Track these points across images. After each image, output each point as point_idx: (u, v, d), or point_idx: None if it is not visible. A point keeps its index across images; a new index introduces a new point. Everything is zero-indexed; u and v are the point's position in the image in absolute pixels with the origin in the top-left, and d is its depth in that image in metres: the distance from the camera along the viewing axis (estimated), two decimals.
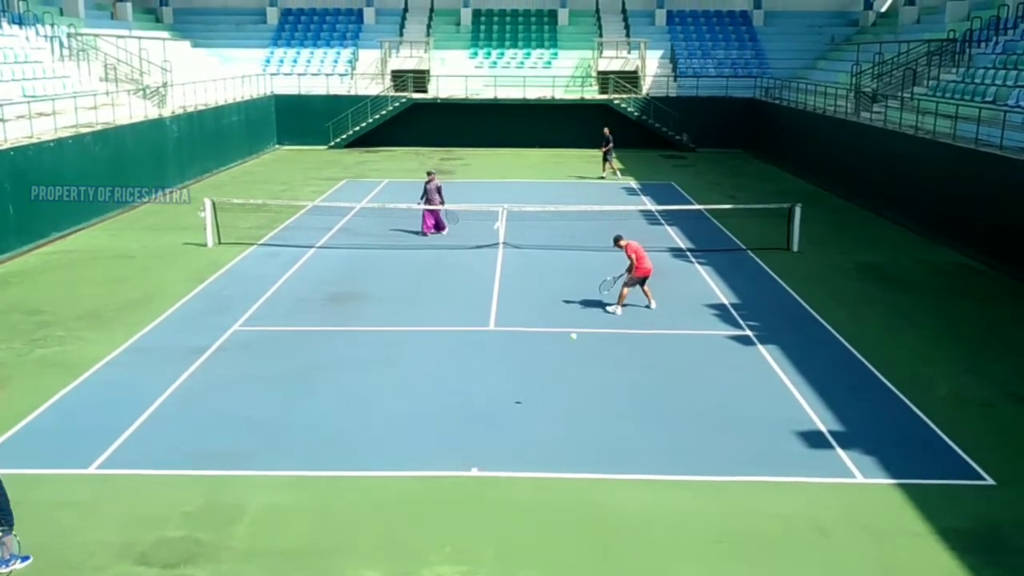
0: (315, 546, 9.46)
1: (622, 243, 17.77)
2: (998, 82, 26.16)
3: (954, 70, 29.98)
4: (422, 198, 24.19)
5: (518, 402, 13.07)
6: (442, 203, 24.17)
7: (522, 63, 45.85)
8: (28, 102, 23.84)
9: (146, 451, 11.51)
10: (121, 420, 12.32)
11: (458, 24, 48.48)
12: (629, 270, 17.44)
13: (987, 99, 25.34)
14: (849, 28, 46.10)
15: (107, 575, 8.92)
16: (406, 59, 45.46)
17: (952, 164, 23.52)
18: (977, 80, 27.46)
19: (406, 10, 48.62)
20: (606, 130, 34.32)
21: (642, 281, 17.47)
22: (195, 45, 44.04)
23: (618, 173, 34.32)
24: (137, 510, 10.11)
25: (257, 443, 11.77)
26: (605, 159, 34.32)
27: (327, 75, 44.45)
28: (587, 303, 18.02)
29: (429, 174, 24.44)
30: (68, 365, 14.40)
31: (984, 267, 21.07)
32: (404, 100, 42.89)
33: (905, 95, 29.86)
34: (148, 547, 9.38)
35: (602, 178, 33.92)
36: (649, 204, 28.22)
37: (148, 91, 32.19)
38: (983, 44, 29.98)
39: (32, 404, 12.85)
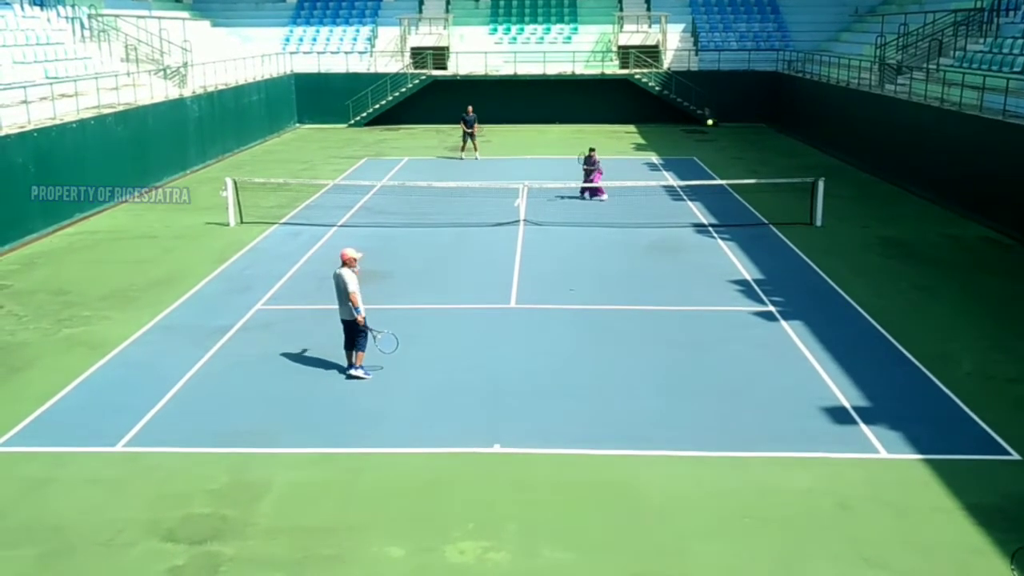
0: (339, 522, 9.54)
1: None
2: None
3: (981, 40, 29.46)
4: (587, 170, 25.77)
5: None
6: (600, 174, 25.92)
7: (542, 39, 45.54)
8: (50, 84, 23.99)
9: (172, 429, 11.64)
10: (147, 399, 12.46)
11: (477, 0, 48.20)
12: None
13: (1015, 69, 24.90)
14: None
15: (135, 551, 9.05)
16: (425, 36, 45.27)
17: (979, 136, 23.18)
18: (1005, 50, 26.97)
19: None
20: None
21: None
22: (215, 25, 44.07)
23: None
24: (164, 487, 10.24)
25: (281, 421, 11.87)
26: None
27: (346, 53, 44.38)
28: (608, 280, 17.98)
29: (591, 150, 26.06)
30: (94, 344, 14.55)
31: (1012, 241, 20.79)
32: (424, 77, 42.76)
33: (931, 66, 29.42)
34: (175, 524, 9.51)
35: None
36: (671, 179, 28.04)
37: (169, 71, 32.27)
38: (1011, 13, 29.41)
39: (59, 383, 13.01)
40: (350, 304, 12.83)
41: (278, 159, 33.92)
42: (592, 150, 26.09)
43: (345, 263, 12.94)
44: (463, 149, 33.86)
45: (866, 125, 30.88)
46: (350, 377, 13.15)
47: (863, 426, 11.60)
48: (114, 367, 13.74)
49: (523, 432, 11.51)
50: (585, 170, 25.85)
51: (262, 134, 38.61)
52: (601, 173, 25.89)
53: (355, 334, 13.05)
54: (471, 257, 19.88)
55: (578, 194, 25.84)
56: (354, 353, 13.16)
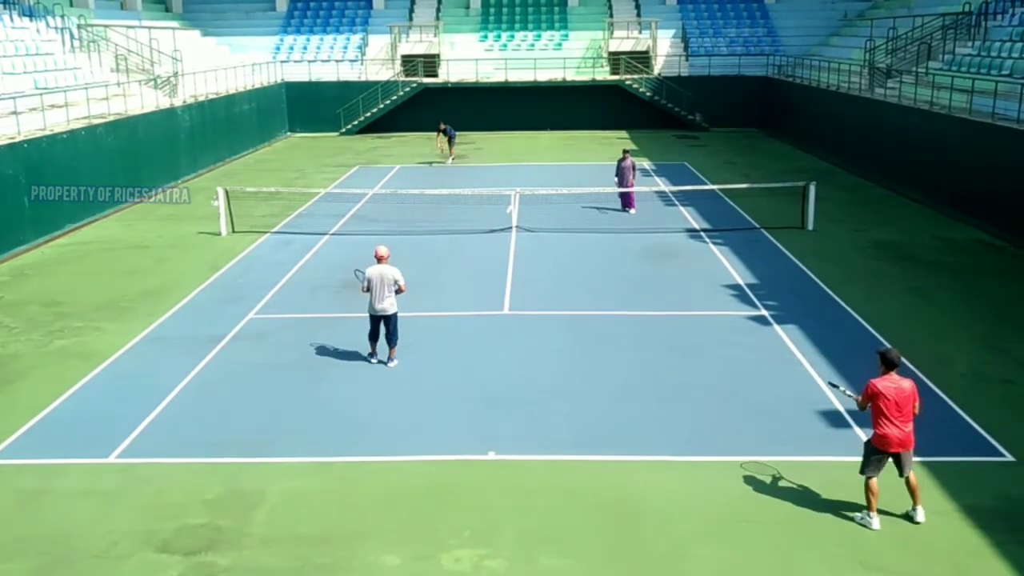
0: (335, 531, 9.50)
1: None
2: (1015, 55, 25.83)
3: (970, 43, 29.62)
4: (617, 177, 24.93)
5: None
6: (633, 181, 24.96)
7: (532, 45, 45.65)
8: (40, 94, 23.92)
9: (165, 440, 11.59)
10: (140, 409, 12.41)
11: (467, 7, 48.32)
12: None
13: (1004, 72, 25.03)
14: (862, 3, 45.58)
15: (130, 563, 8.99)
16: (416, 44, 45.35)
17: (969, 139, 23.28)
18: (993, 53, 27.13)
19: None
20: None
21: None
22: (205, 34, 44.09)
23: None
24: (158, 498, 10.19)
25: (275, 430, 11.83)
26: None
27: (337, 61, 44.40)
28: (601, 285, 17.98)
29: (624, 152, 25.32)
30: (86, 355, 14.49)
31: (1003, 243, 20.87)
32: (415, 85, 42.81)
33: (920, 70, 29.55)
34: (170, 535, 9.46)
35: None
36: (663, 185, 28.08)
37: (159, 81, 32.24)
38: (999, 16, 29.60)
39: (52, 395, 12.95)
40: (393, 295, 13.52)
41: (270, 168, 33.89)
42: (626, 152, 25.36)
43: (381, 259, 13.56)
44: (451, 154, 34.48)
45: (856, 128, 31.00)
46: (376, 362, 13.92)
47: (857, 429, 11.59)
48: (107, 378, 13.68)
49: (518, 438, 11.49)
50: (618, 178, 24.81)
51: (253, 143, 38.58)
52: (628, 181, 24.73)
53: (395, 327, 13.72)
54: (464, 264, 19.87)
55: (620, 207, 24.99)
56: (390, 347, 13.89)
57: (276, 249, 21.33)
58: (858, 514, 9.61)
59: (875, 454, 9.39)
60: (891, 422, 9.20)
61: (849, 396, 9.97)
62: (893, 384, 9.25)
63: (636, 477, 10.54)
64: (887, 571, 8.72)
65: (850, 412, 12.10)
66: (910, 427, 9.28)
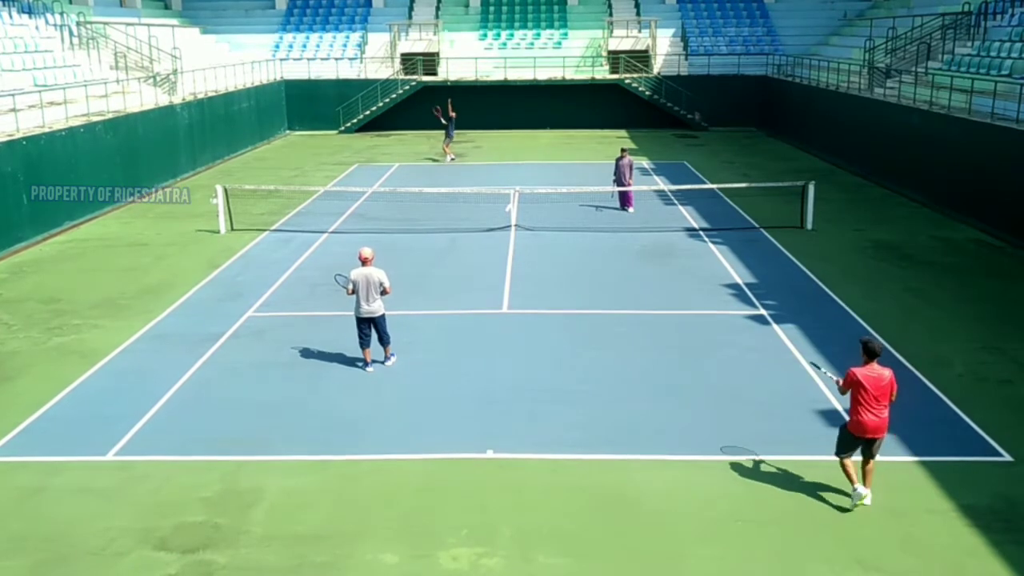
0: (333, 530, 9.50)
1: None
2: (1014, 55, 25.83)
3: (969, 44, 29.62)
4: (615, 177, 24.84)
5: None
6: (631, 180, 24.89)
7: (532, 44, 45.62)
8: (39, 92, 23.90)
9: (164, 437, 11.58)
10: (138, 407, 12.40)
11: (467, 6, 48.28)
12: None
13: (1003, 73, 25.04)
14: (862, 3, 45.58)
15: (128, 560, 8.99)
16: (415, 42, 45.32)
17: (968, 139, 23.28)
18: (993, 53, 27.13)
19: None
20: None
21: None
22: (204, 32, 44.04)
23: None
24: (156, 496, 10.18)
25: (273, 428, 11.82)
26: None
27: (336, 59, 44.36)
28: (600, 284, 17.99)
29: (622, 151, 25.16)
30: (85, 353, 14.48)
31: (1003, 243, 20.88)
32: (414, 83, 42.77)
33: (919, 70, 29.55)
34: (168, 532, 9.45)
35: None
36: (662, 184, 28.07)
37: (158, 78, 32.21)
38: (999, 16, 29.60)
39: (50, 392, 12.94)
40: (381, 298, 13.36)
41: (269, 166, 33.87)
42: (624, 151, 25.24)
43: (365, 261, 13.42)
44: (447, 152, 34.53)
45: (856, 128, 31.00)
46: (372, 370, 13.65)
47: None
48: (105, 375, 13.67)
49: (516, 437, 11.49)
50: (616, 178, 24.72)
51: (252, 141, 38.55)
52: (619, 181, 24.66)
53: (384, 327, 13.60)
54: (463, 262, 19.86)
55: (618, 205, 24.94)
56: (384, 347, 13.78)
57: (275, 247, 21.32)
58: (848, 497, 9.81)
59: (850, 438, 9.77)
60: (868, 410, 9.57)
61: (831, 378, 10.36)
62: (873, 374, 9.58)
63: (634, 476, 10.54)
64: (885, 570, 8.72)
65: (848, 411, 12.09)
66: (886, 414, 9.66)
